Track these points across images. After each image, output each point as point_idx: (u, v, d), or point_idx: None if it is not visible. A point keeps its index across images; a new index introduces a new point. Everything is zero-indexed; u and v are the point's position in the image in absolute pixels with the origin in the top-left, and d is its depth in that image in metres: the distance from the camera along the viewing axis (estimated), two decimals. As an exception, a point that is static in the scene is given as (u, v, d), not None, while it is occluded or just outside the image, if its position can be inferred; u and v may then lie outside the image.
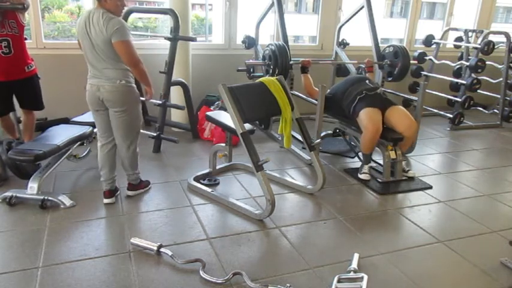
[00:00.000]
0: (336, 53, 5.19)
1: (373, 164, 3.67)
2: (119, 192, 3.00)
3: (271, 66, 4.01)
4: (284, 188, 3.30)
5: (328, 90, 3.77)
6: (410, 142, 3.60)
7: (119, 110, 2.69)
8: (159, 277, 2.16)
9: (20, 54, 3.16)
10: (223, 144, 3.14)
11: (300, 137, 4.34)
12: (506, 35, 5.21)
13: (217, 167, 3.45)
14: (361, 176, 3.49)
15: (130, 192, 2.98)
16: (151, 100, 4.00)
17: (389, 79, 4.55)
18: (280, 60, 3.91)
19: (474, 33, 5.56)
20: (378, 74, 4.61)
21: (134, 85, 2.74)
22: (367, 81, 3.72)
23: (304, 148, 4.12)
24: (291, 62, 3.99)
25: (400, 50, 4.42)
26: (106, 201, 2.87)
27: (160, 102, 3.94)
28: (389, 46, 4.57)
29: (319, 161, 3.15)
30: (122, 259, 2.29)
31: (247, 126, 3.24)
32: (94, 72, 2.64)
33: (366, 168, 3.52)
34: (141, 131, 3.99)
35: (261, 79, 3.11)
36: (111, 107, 2.69)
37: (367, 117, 3.39)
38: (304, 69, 3.92)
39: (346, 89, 3.68)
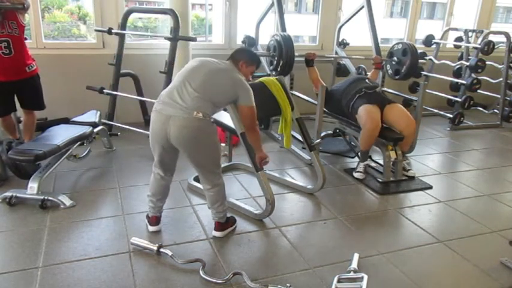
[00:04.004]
0: (336, 53, 5.19)
1: (371, 163, 3.67)
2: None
3: (276, 58, 3.86)
4: (284, 188, 3.30)
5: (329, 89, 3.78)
6: (410, 141, 3.60)
7: (191, 152, 2.33)
8: (159, 277, 2.16)
9: (21, 55, 3.15)
10: (223, 144, 3.13)
11: (300, 137, 4.34)
12: (506, 35, 5.21)
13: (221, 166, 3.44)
14: (356, 175, 3.50)
15: (218, 233, 2.54)
16: (150, 100, 4.04)
17: (397, 77, 4.41)
18: (285, 51, 3.76)
19: (474, 33, 5.56)
20: (378, 74, 4.60)
21: (211, 120, 2.34)
22: (366, 80, 3.74)
23: (304, 148, 4.12)
24: (296, 54, 3.82)
25: (409, 47, 4.24)
26: (152, 229, 2.56)
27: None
28: (398, 43, 4.39)
29: (319, 161, 3.14)
30: (122, 259, 2.29)
31: None
32: (169, 100, 2.26)
33: (361, 167, 3.52)
34: (141, 130, 4.02)
35: (261, 79, 3.11)
36: (181, 149, 2.31)
37: (366, 113, 3.40)
38: (309, 62, 3.83)
39: (345, 89, 3.69)
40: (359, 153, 3.70)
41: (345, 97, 3.65)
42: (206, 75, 2.30)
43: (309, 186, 3.24)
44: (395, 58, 4.34)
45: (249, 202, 3.00)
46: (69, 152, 3.21)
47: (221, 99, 2.36)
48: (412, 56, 4.20)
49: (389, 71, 4.40)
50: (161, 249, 2.31)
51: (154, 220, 2.57)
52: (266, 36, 5.31)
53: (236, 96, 2.35)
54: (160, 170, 2.47)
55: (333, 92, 3.73)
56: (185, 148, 2.29)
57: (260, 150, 2.55)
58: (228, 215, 2.61)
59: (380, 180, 3.44)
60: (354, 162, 3.86)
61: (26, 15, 3.27)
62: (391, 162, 3.46)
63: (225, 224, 2.56)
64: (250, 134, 2.51)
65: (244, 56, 2.48)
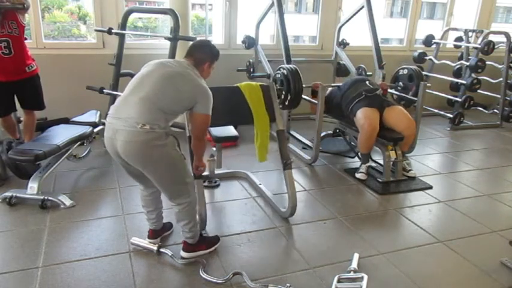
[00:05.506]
0: (336, 53, 5.19)
1: (372, 164, 3.67)
2: (170, 231, 2.57)
3: (283, 92, 3.54)
4: (285, 187, 3.29)
5: (327, 93, 3.75)
6: (410, 141, 3.59)
7: (145, 170, 2.07)
8: (159, 277, 2.16)
9: (21, 55, 3.15)
10: (213, 148, 3.11)
11: (299, 137, 4.34)
12: (506, 35, 5.21)
13: (219, 172, 3.35)
14: (358, 176, 3.50)
15: (184, 254, 2.30)
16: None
17: (402, 103, 4.15)
18: (293, 85, 3.47)
19: (474, 33, 5.57)
20: (378, 74, 4.59)
21: (164, 131, 2.03)
22: (367, 82, 3.72)
23: (304, 148, 4.12)
24: (304, 86, 3.52)
25: (415, 72, 4.00)
26: (149, 241, 2.41)
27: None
28: (403, 68, 4.15)
29: (292, 183, 2.76)
30: (122, 259, 2.29)
31: (233, 132, 3.13)
32: (117, 112, 2.03)
33: (363, 168, 3.53)
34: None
35: (239, 84, 2.87)
36: (134, 165, 2.06)
37: (364, 116, 3.41)
38: (315, 92, 3.71)
39: (346, 91, 3.68)
40: (359, 154, 3.70)
41: (345, 100, 3.64)
42: (158, 81, 2.03)
43: (282, 209, 2.84)
44: (400, 83, 4.15)
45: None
46: (69, 152, 3.21)
47: (177, 108, 2.09)
48: (419, 82, 3.97)
49: (395, 97, 4.25)
50: (161, 249, 2.32)
51: (151, 233, 2.43)
52: (266, 36, 5.31)
53: (194, 104, 2.10)
54: (138, 184, 2.34)
55: (331, 97, 3.71)
56: (137, 165, 2.05)
57: (200, 159, 2.34)
58: (211, 234, 2.50)
59: (380, 180, 3.44)
60: (353, 162, 3.86)
61: (26, 15, 3.27)
62: (391, 162, 3.46)
63: (195, 245, 2.31)
64: (196, 142, 2.25)
65: (209, 56, 2.24)
